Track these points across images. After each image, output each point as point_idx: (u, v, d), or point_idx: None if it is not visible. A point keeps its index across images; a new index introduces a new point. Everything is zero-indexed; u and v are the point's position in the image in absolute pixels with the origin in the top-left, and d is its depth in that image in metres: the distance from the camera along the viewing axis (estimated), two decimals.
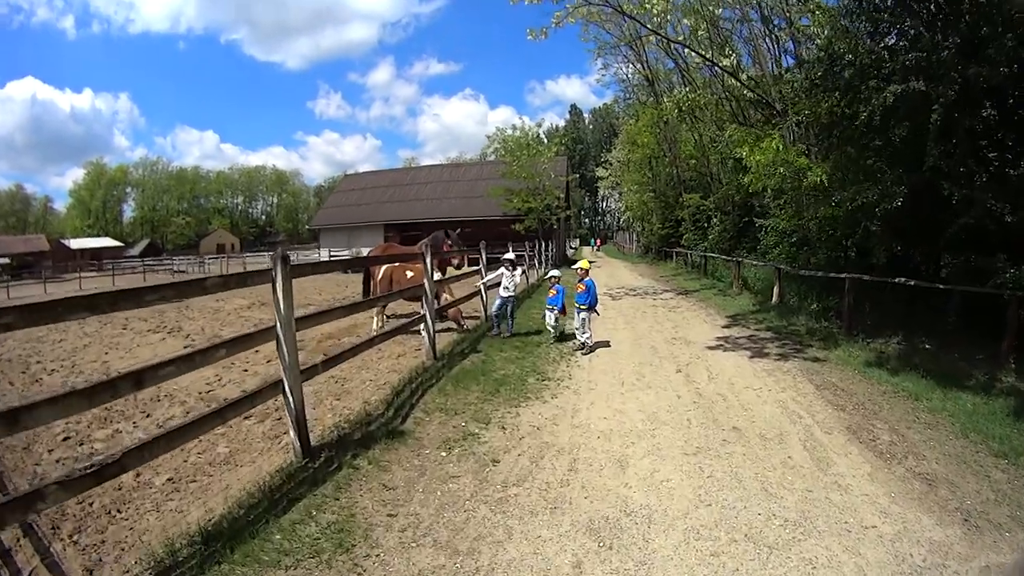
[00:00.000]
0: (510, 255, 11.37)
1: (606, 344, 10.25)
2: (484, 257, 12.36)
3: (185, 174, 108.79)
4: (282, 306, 4.87)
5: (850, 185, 12.03)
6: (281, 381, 5.05)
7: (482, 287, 12.15)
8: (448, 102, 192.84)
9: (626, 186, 44.03)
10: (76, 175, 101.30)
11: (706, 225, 27.09)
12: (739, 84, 20.86)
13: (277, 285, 4.83)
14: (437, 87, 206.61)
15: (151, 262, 58.46)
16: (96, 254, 72.80)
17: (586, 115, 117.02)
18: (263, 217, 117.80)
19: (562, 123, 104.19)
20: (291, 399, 5.04)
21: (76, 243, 79.22)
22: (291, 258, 5.23)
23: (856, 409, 6.56)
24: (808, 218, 14.71)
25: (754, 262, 18.39)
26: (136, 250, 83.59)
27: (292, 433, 5.18)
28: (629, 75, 34.92)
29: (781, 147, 12.95)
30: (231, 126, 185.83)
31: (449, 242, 12.62)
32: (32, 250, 68.33)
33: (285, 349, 4.95)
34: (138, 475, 5.28)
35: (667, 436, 5.84)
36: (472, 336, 10.80)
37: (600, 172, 61.44)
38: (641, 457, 5.32)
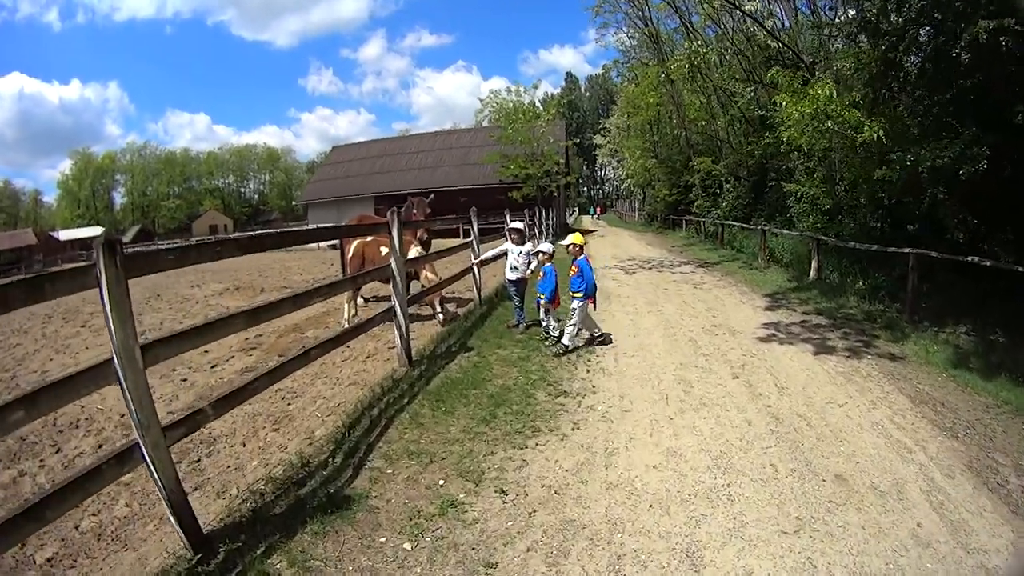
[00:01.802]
0: (517, 223, 9.09)
1: (631, 334, 8.28)
2: (475, 228, 10.24)
3: (174, 157, 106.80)
4: (114, 327, 2.85)
5: (914, 143, 10.31)
6: (137, 446, 3.03)
7: (475, 266, 9.90)
8: (441, 75, 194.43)
9: (627, 152, 41.79)
10: (67, 166, 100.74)
11: (718, 191, 25.19)
12: (763, 34, 18.86)
13: (104, 291, 2.79)
14: (429, 59, 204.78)
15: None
16: (86, 244, 71.68)
17: (582, 83, 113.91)
18: (256, 196, 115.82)
19: (557, 91, 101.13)
20: (156, 473, 3.07)
21: (65, 234, 78.80)
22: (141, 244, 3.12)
23: (967, 434, 4.91)
24: (853, 181, 12.71)
25: (783, 232, 16.28)
26: (128, 237, 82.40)
27: (172, 519, 3.20)
28: (628, 37, 32.70)
29: (833, 94, 10.90)
30: (223, 108, 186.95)
31: (415, 211, 10.22)
32: (19, 245, 68.07)
33: (131, 398, 2.94)
34: None
35: (750, 498, 3.85)
36: (462, 327, 8.74)
37: (598, 140, 59.97)
38: (721, 545, 3.36)
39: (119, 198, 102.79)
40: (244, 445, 5.26)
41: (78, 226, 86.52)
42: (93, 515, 4.27)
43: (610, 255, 20.22)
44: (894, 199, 11.79)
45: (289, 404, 6.15)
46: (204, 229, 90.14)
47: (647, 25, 28.97)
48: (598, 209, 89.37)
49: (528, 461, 4.42)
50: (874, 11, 11.04)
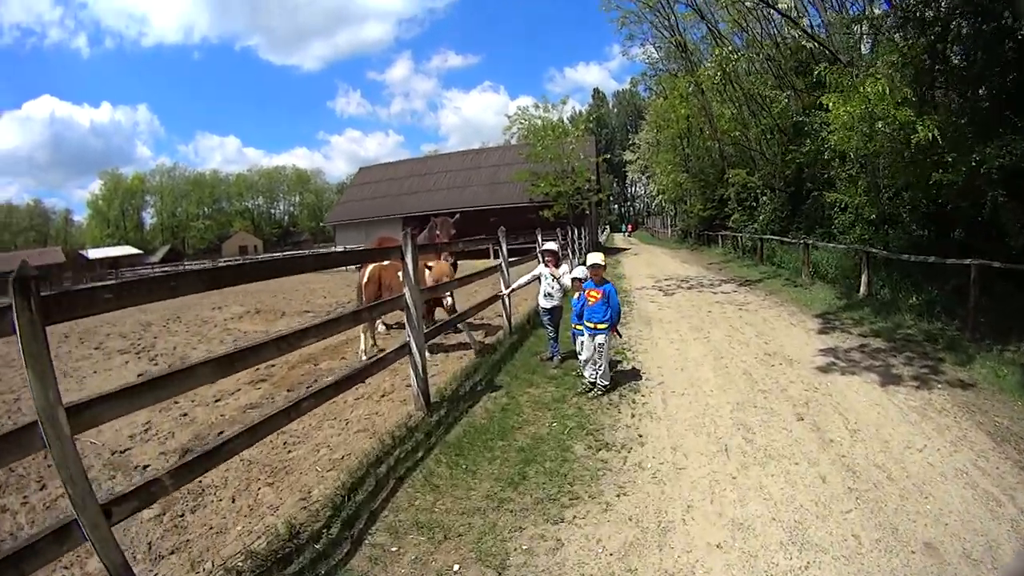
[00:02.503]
0: (551, 244, 8.26)
1: (677, 367, 7.40)
2: (504, 248, 9.39)
3: (203, 178, 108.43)
4: (32, 386, 2.21)
5: (972, 142, 9.59)
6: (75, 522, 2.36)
7: (506, 296, 9.12)
8: (468, 95, 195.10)
9: (658, 167, 40.84)
10: (97, 186, 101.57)
11: (754, 204, 24.20)
12: (795, 36, 18.01)
13: (19, 341, 2.13)
14: (456, 80, 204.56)
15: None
16: (114, 263, 73.38)
17: (609, 100, 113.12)
18: (286, 217, 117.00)
19: (584, 108, 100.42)
20: (100, 556, 2.53)
21: (94, 253, 79.70)
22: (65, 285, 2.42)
23: None
24: (899, 188, 11.83)
25: (827, 245, 15.33)
26: (157, 256, 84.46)
27: None
28: (655, 48, 31.72)
29: (887, 91, 10.05)
30: (252, 130, 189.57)
31: (439, 232, 9.37)
32: (48, 263, 68.30)
33: (60, 471, 2.25)
34: None
35: None
36: (489, 360, 7.88)
37: (628, 156, 59.02)
38: None
39: (148, 218, 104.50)
40: (233, 501, 4.53)
41: (107, 245, 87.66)
42: None
43: (646, 274, 19.28)
44: (948, 204, 10.97)
45: (290, 452, 5.39)
46: (234, 250, 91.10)
47: (674, 34, 28.14)
48: (629, 227, 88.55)
49: (564, 541, 3.58)
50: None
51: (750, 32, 24.25)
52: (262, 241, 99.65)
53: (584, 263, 6.54)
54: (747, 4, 21.78)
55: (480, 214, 33.84)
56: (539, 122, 34.82)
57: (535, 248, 10.61)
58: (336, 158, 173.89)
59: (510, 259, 9.63)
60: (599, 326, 6.21)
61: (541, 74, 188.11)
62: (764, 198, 23.55)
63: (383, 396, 6.84)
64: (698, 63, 27.23)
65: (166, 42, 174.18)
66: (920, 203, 11.70)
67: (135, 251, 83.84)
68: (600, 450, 4.89)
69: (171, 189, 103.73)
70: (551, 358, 7.64)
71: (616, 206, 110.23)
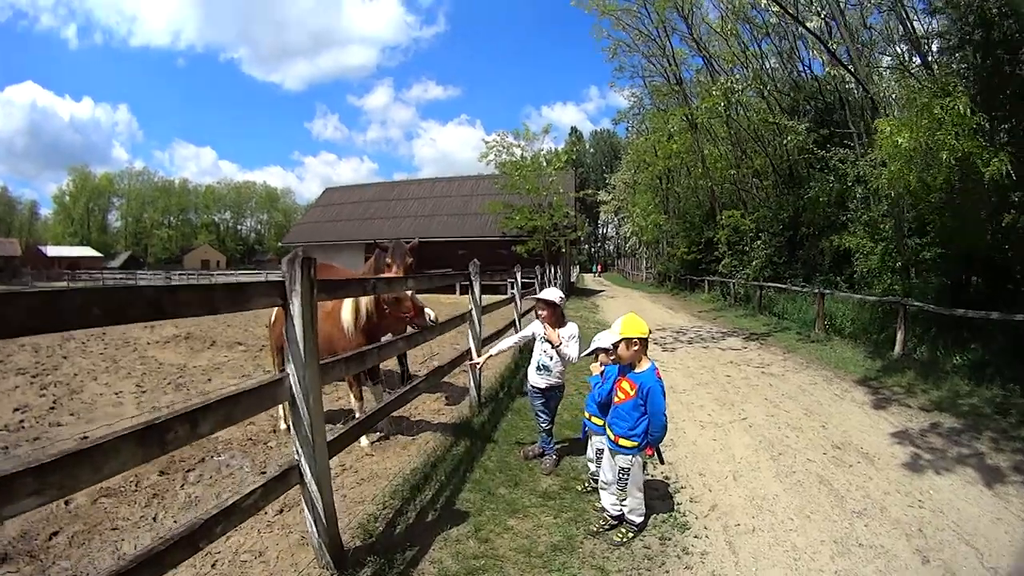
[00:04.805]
0: (551, 293, 5.23)
1: (727, 471, 5.16)
2: (477, 288, 6.91)
3: (171, 186, 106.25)
4: None
5: None
6: None
7: (478, 365, 6.16)
8: (444, 127, 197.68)
9: (636, 208, 39.14)
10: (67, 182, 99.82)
11: (747, 248, 22.45)
12: (828, 59, 16.35)
13: None
14: (434, 112, 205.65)
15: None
16: (74, 263, 72.19)
17: (586, 140, 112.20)
18: (252, 235, 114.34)
19: (561, 147, 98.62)
20: None
21: (53, 250, 78.28)
22: None
23: None
24: (954, 230, 10.61)
25: (850, 295, 13.53)
26: (117, 262, 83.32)
27: None
28: (645, 78, 30.22)
29: (967, 112, 8.41)
30: (229, 144, 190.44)
31: (389, 260, 6.43)
32: (3, 254, 66.72)
33: None
34: None
35: None
36: (450, 456, 5.30)
37: (602, 196, 57.43)
38: None
39: (113, 221, 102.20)
40: None
41: (69, 244, 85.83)
42: None
43: None
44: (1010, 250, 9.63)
45: None
46: (196, 263, 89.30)
47: (670, 64, 26.52)
48: (599, 267, 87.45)
49: None
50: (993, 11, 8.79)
51: (750, 67, 22.88)
52: (225, 257, 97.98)
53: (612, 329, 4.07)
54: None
55: (449, 245, 31.59)
56: (518, 151, 32.70)
57: (510, 289, 8.13)
58: (309, 180, 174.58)
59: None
60: (624, 442, 3.85)
61: (518, 110, 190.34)
62: (758, 242, 21.80)
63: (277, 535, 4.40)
64: (693, 96, 25.90)
65: (153, 44, 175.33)
66: (975, 249, 10.18)
67: (96, 253, 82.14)
68: None
69: (139, 193, 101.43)
70: (541, 454, 5.22)
71: (587, 246, 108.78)
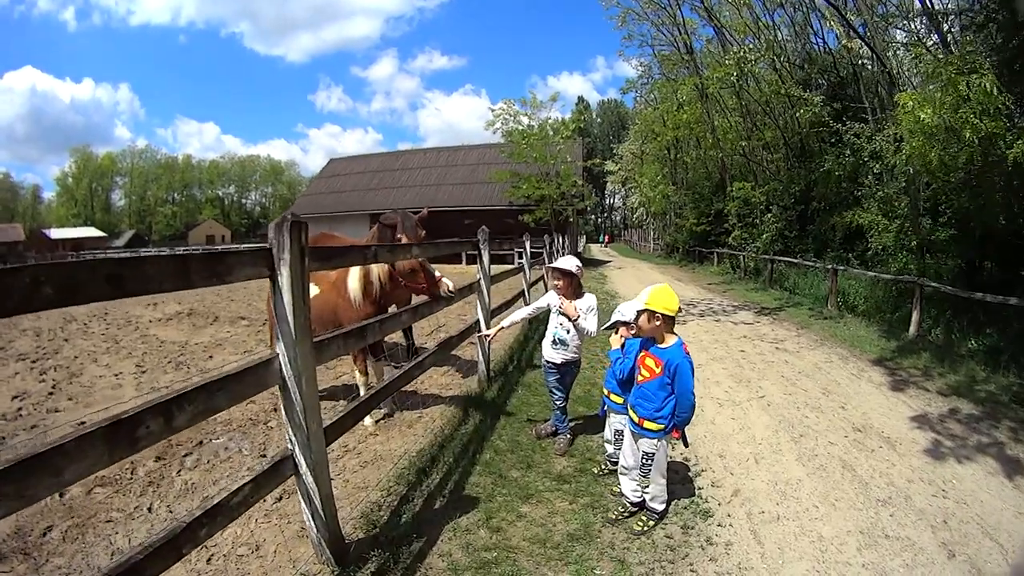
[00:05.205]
0: (567, 261, 4.77)
1: (748, 453, 4.93)
2: (486, 257, 6.77)
3: (175, 163, 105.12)
4: None
5: None
6: None
7: (488, 337, 5.78)
8: (449, 97, 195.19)
9: (646, 178, 38.68)
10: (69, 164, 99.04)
11: (757, 222, 22.01)
12: (844, 31, 15.89)
13: None
14: (439, 82, 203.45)
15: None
16: (78, 244, 71.54)
17: (593, 109, 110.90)
18: (257, 208, 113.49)
19: (568, 116, 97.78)
20: None
21: (57, 233, 77.66)
22: None
23: None
24: (973, 211, 10.33)
25: (864, 272, 13.23)
26: (122, 240, 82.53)
27: None
28: (655, 47, 29.54)
29: (994, 90, 8.03)
30: (232, 118, 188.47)
31: (400, 235, 6.07)
32: (6, 240, 66.54)
33: None
34: None
35: None
36: (459, 435, 5.07)
37: (609, 166, 56.64)
38: None
39: (117, 200, 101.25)
40: None
41: (73, 226, 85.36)
42: None
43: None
44: None
45: None
46: (201, 238, 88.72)
47: (680, 33, 25.90)
48: (606, 237, 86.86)
49: None
50: None
51: (762, 38, 22.31)
52: (230, 232, 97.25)
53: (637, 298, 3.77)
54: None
55: (454, 215, 31.07)
56: (525, 118, 32.13)
57: (518, 258, 7.81)
58: (314, 152, 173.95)
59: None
60: (650, 424, 3.56)
61: (524, 81, 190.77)
62: (768, 215, 21.39)
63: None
64: (704, 66, 25.42)
65: (153, 22, 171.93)
66: (992, 232, 10.01)
67: (99, 233, 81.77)
68: None
69: (141, 171, 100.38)
70: (555, 433, 4.98)
71: (593, 216, 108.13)
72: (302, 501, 2.72)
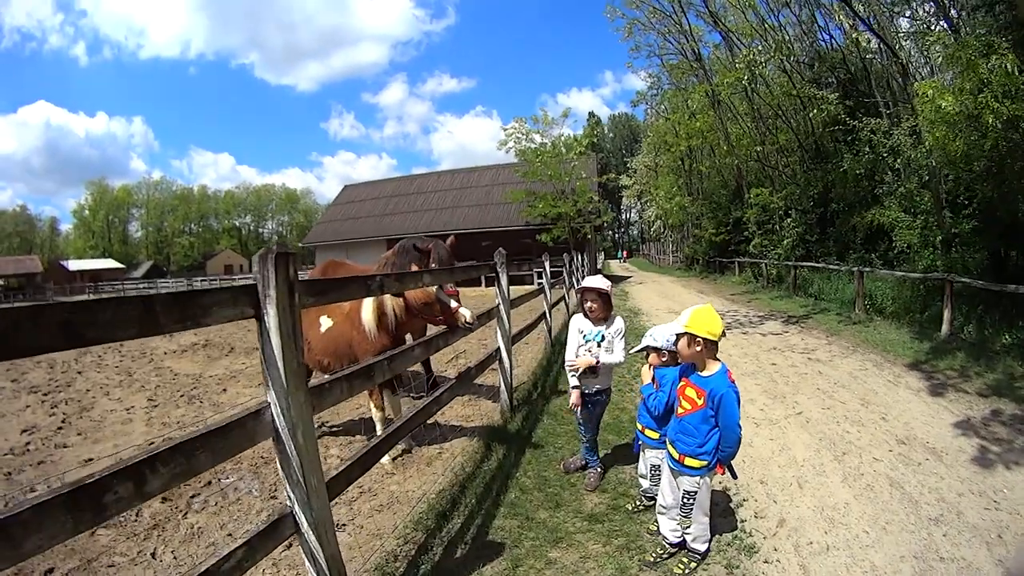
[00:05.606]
0: (596, 280, 4.35)
1: (791, 476, 4.62)
2: (504, 280, 6.35)
3: (191, 194, 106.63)
4: None
5: None
6: None
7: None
8: (461, 119, 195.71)
9: (661, 190, 38.45)
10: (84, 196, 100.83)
11: (777, 227, 21.72)
12: (852, 22, 15.62)
13: None
14: (449, 105, 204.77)
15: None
16: (95, 276, 72.58)
17: (604, 123, 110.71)
18: (274, 237, 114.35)
19: (579, 133, 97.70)
20: None
21: (75, 264, 78.38)
22: None
23: None
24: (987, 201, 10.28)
25: (891, 273, 12.92)
26: (140, 271, 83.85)
27: None
28: (662, 56, 29.29)
29: (1016, 71, 7.72)
30: (247, 148, 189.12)
31: (433, 261, 5.65)
32: (24, 271, 67.37)
33: None
34: None
35: None
36: (483, 472, 4.74)
37: (624, 180, 56.50)
38: None
39: (135, 231, 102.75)
40: None
41: (91, 257, 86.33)
42: None
43: (665, 308, 16.30)
44: None
45: None
46: (219, 268, 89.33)
47: (688, 40, 25.72)
48: (624, 253, 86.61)
49: None
50: None
51: (769, 39, 22.11)
52: (248, 261, 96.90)
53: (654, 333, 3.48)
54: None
55: (472, 237, 30.82)
56: (537, 136, 31.98)
57: (537, 279, 7.45)
58: (329, 179, 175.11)
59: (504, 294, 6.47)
60: (691, 462, 3.24)
61: (534, 99, 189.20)
62: (788, 220, 21.07)
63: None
64: (713, 72, 25.20)
65: (163, 56, 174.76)
66: (1016, 221, 9.80)
67: (117, 265, 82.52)
68: None
69: (157, 203, 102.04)
70: (584, 467, 4.61)
71: (610, 232, 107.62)
72: (306, 561, 2.42)
